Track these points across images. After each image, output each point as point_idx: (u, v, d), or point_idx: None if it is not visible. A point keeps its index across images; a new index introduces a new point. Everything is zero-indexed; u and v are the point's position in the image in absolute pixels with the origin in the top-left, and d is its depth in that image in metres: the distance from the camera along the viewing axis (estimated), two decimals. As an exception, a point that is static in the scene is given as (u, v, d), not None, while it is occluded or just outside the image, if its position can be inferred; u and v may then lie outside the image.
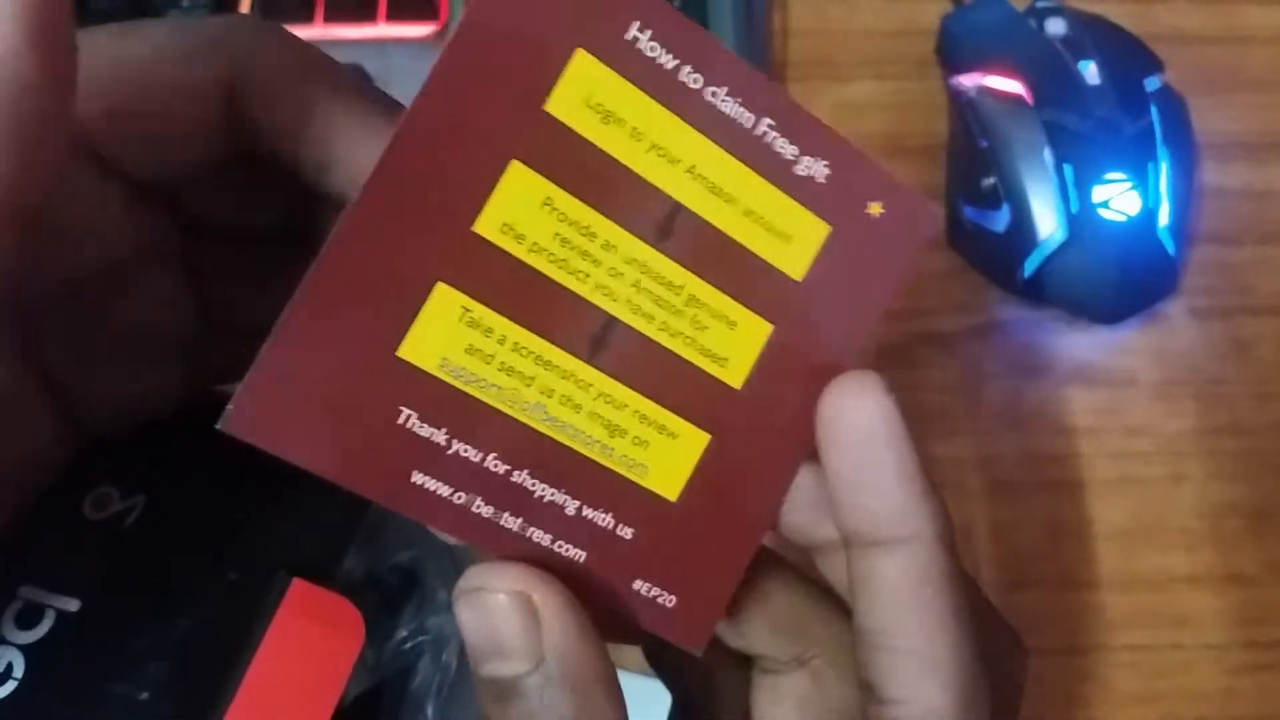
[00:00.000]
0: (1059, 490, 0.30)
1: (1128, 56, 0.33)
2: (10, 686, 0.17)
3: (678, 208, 0.15)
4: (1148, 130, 0.31)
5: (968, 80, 0.33)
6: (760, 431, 0.15)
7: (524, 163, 0.14)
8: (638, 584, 0.15)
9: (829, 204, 0.15)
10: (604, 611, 0.15)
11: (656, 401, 0.15)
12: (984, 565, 0.29)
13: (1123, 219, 0.30)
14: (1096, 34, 0.33)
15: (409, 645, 0.22)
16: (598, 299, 0.14)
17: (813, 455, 0.16)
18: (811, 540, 0.16)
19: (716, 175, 0.15)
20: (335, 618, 0.17)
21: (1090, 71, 0.31)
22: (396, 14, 0.35)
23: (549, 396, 0.15)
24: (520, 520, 0.15)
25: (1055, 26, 0.33)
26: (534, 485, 0.15)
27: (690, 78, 0.14)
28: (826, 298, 0.15)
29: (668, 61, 0.14)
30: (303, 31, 0.35)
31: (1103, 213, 0.30)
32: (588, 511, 0.15)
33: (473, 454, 0.15)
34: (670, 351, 0.15)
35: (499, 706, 0.15)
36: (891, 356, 0.32)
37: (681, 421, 0.15)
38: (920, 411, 0.31)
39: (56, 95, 0.11)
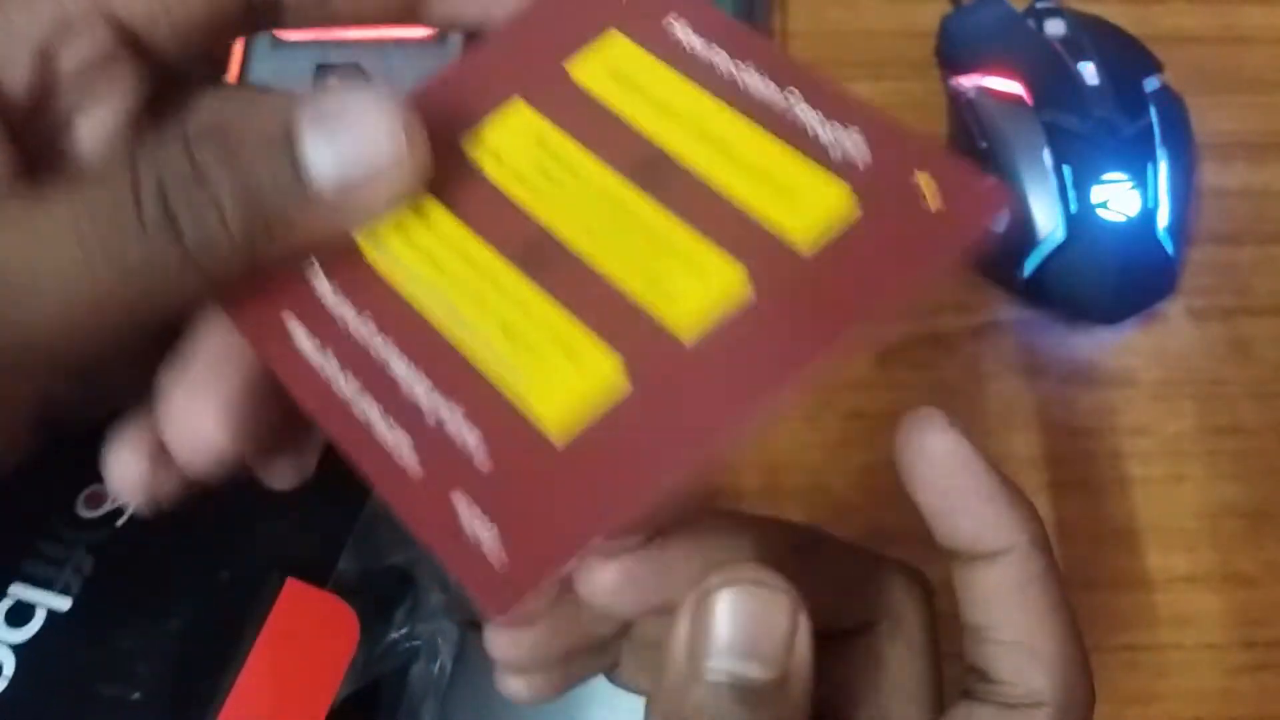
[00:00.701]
0: (1059, 490, 0.30)
1: (1127, 57, 0.33)
2: (0, 685, 0.17)
3: (664, 156, 0.14)
4: (1147, 131, 0.31)
5: (967, 81, 0.33)
6: (696, 384, 0.13)
7: (526, 101, 0.15)
8: (466, 516, 0.12)
9: (860, 174, 0.14)
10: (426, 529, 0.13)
11: (581, 323, 0.13)
12: (984, 565, 0.29)
13: (1122, 219, 0.31)
14: (1095, 34, 0.33)
15: (403, 647, 0.22)
16: (552, 218, 0.14)
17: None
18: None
19: (724, 133, 0.14)
20: (329, 617, 0.17)
21: (1089, 72, 0.32)
22: (397, 15, 0.35)
23: (463, 294, 0.13)
24: (376, 409, 0.13)
25: (1054, 27, 0.33)
26: (405, 376, 0.13)
27: (717, 55, 0.15)
28: (838, 267, 0.13)
29: (697, 43, 0.15)
30: (303, 32, 0.35)
31: (1102, 213, 0.30)
32: (452, 424, 0.13)
33: (352, 318, 0.13)
34: (611, 279, 0.13)
35: (740, 707, 0.15)
36: (891, 357, 0.32)
37: (600, 351, 0.13)
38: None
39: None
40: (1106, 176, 0.31)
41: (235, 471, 0.18)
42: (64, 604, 0.17)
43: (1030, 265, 0.31)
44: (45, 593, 0.18)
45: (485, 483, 0.12)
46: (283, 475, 0.16)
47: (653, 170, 0.14)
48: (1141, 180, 0.31)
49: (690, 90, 0.15)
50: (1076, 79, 0.31)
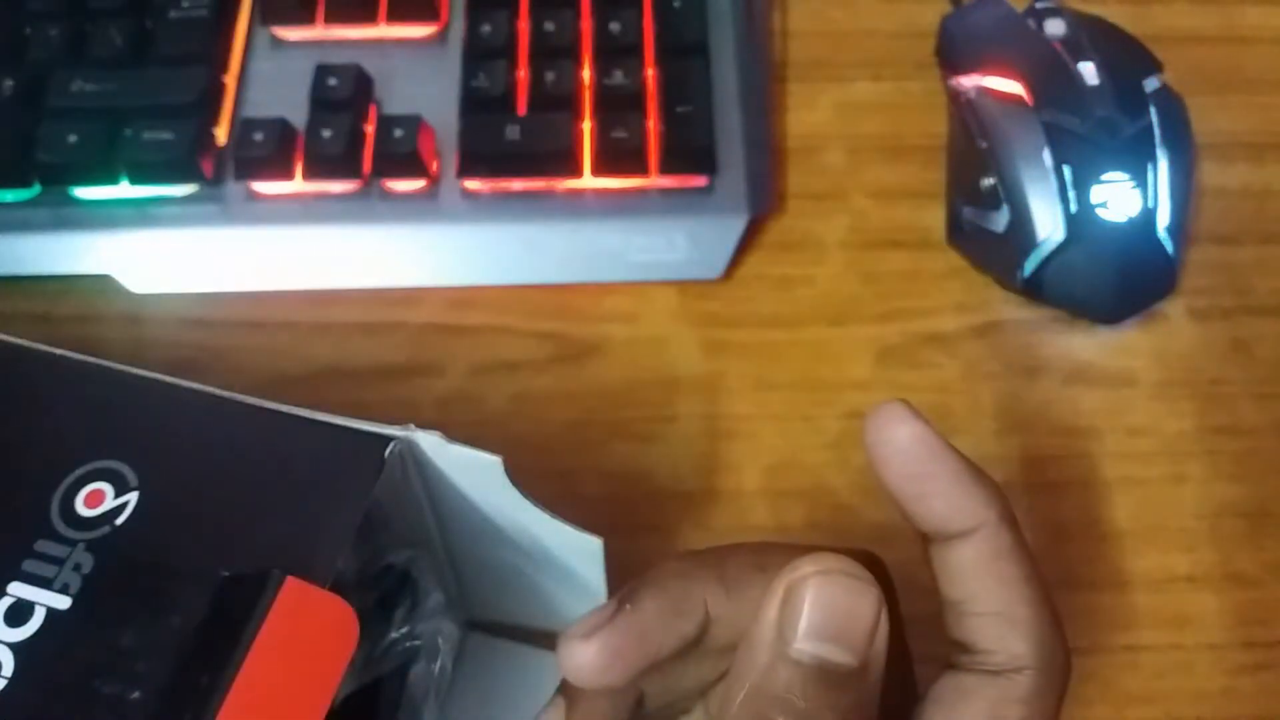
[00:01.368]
0: (1059, 490, 0.30)
1: (1127, 57, 0.33)
2: (3, 680, 0.17)
3: None
4: (1147, 130, 0.31)
5: (967, 81, 0.33)
6: None
7: None
8: None
9: None
10: None
11: None
12: (984, 565, 0.29)
13: (1122, 219, 0.31)
14: (1095, 34, 0.33)
15: (403, 647, 0.22)
16: None
17: None
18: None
19: None
20: (329, 616, 0.17)
21: (1089, 72, 0.32)
22: (397, 15, 0.35)
23: None
24: None
25: (1054, 27, 0.33)
26: None
27: None
28: None
29: None
30: (304, 32, 0.35)
31: (1102, 213, 0.30)
32: None
33: None
34: None
35: (824, 690, 0.15)
36: (891, 357, 0.32)
37: None
38: (921, 412, 0.31)
39: None
40: (1106, 176, 0.31)
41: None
42: (63, 603, 0.17)
43: (1030, 265, 0.31)
44: (44, 591, 0.18)
45: None
46: None
47: None
48: (1141, 180, 0.31)
49: None
50: (1076, 79, 0.31)
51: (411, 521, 0.22)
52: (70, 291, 0.33)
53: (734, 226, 0.33)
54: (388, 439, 0.20)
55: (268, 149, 0.32)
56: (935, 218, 0.34)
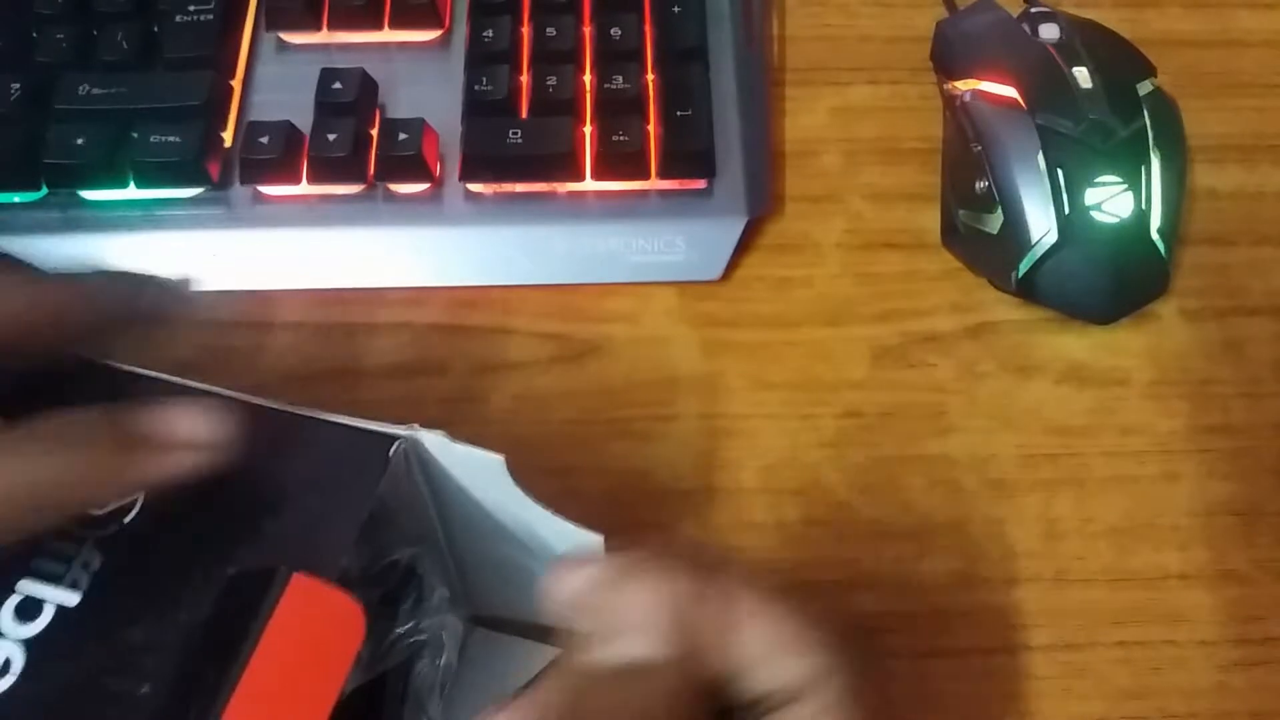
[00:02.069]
0: (1053, 489, 0.30)
1: (1120, 60, 0.33)
2: (9, 681, 0.17)
3: None
4: (1140, 134, 0.32)
5: (962, 85, 0.33)
6: None
7: None
8: None
9: None
10: None
11: None
12: (979, 563, 0.29)
13: (1115, 221, 0.31)
14: (1089, 38, 0.33)
15: (408, 642, 0.23)
16: None
17: None
18: None
19: None
20: (336, 612, 0.17)
21: (1083, 76, 0.32)
22: (400, 20, 0.36)
23: None
24: None
25: (1048, 31, 0.33)
26: None
27: None
28: None
29: None
30: (308, 37, 0.36)
31: (1095, 215, 0.31)
32: None
33: None
34: None
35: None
36: (887, 357, 0.32)
37: None
38: (916, 411, 0.31)
39: None
40: (1100, 179, 0.31)
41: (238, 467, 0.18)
42: (72, 599, 0.18)
43: (1024, 266, 0.31)
44: (54, 588, 0.18)
45: None
46: None
47: None
48: (1134, 182, 0.31)
49: None
50: (1070, 83, 0.32)
51: (416, 518, 0.22)
52: (78, 292, 0.33)
53: (733, 228, 0.33)
54: (393, 438, 0.20)
55: (273, 152, 0.32)
56: (930, 220, 0.34)
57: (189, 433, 0.18)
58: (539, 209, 0.33)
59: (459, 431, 0.21)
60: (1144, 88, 0.32)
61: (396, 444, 0.20)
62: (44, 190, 0.33)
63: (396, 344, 0.32)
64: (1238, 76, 0.36)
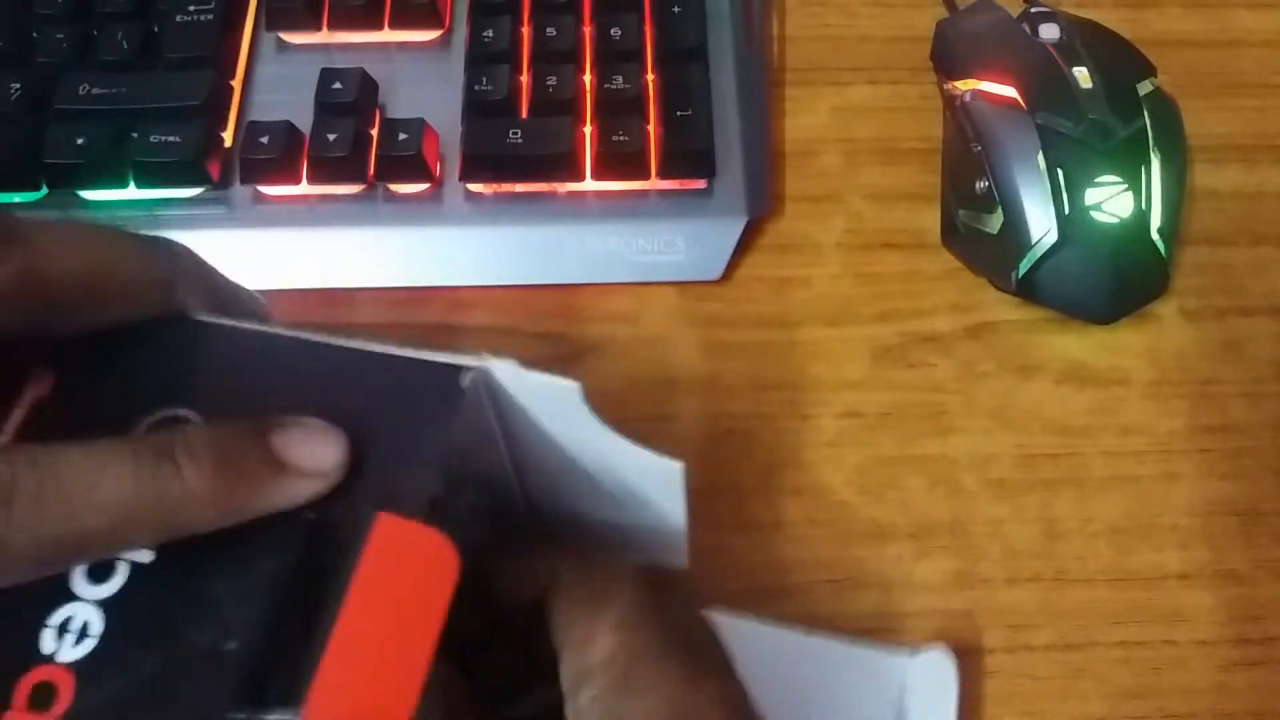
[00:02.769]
0: (1053, 489, 0.30)
1: (1120, 60, 0.33)
2: (90, 644, 0.16)
3: None
4: (1140, 134, 0.32)
5: (962, 85, 0.34)
6: None
7: None
8: None
9: None
10: None
11: None
12: (979, 562, 0.29)
13: (1115, 221, 0.31)
14: (1089, 38, 0.33)
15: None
16: None
17: None
18: None
19: None
20: (428, 551, 0.16)
21: (1083, 76, 0.32)
22: (400, 20, 0.36)
23: None
24: None
25: (1048, 31, 0.33)
26: None
27: None
28: None
29: None
30: (308, 36, 0.36)
31: (1095, 215, 0.31)
32: None
33: None
34: None
35: None
36: (887, 357, 0.32)
37: None
38: (916, 411, 0.31)
39: None
40: (1100, 179, 0.31)
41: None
42: (146, 556, 0.17)
43: (1024, 266, 0.31)
44: None
45: None
46: None
47: None
48: (1134, 182, 0.31)
49: None
50: (1070, 82, 0.32)
51: (486, 458, 0.21)
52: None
53: (732, 228, 0.33)
54: (462, 368, 0.19)
55: (273, 152, 0.32)
56: (930, 220, 0.34)
57: (319, 460, 0.17)
58: (539, 209, 0.33)
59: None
60: (1144, 88, 0.33)
61: (468, 374, 0.19)
62: (44, 190, 0.33)
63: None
64: (1238, 76, 0.36)
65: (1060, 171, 0.31)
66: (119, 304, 0.19)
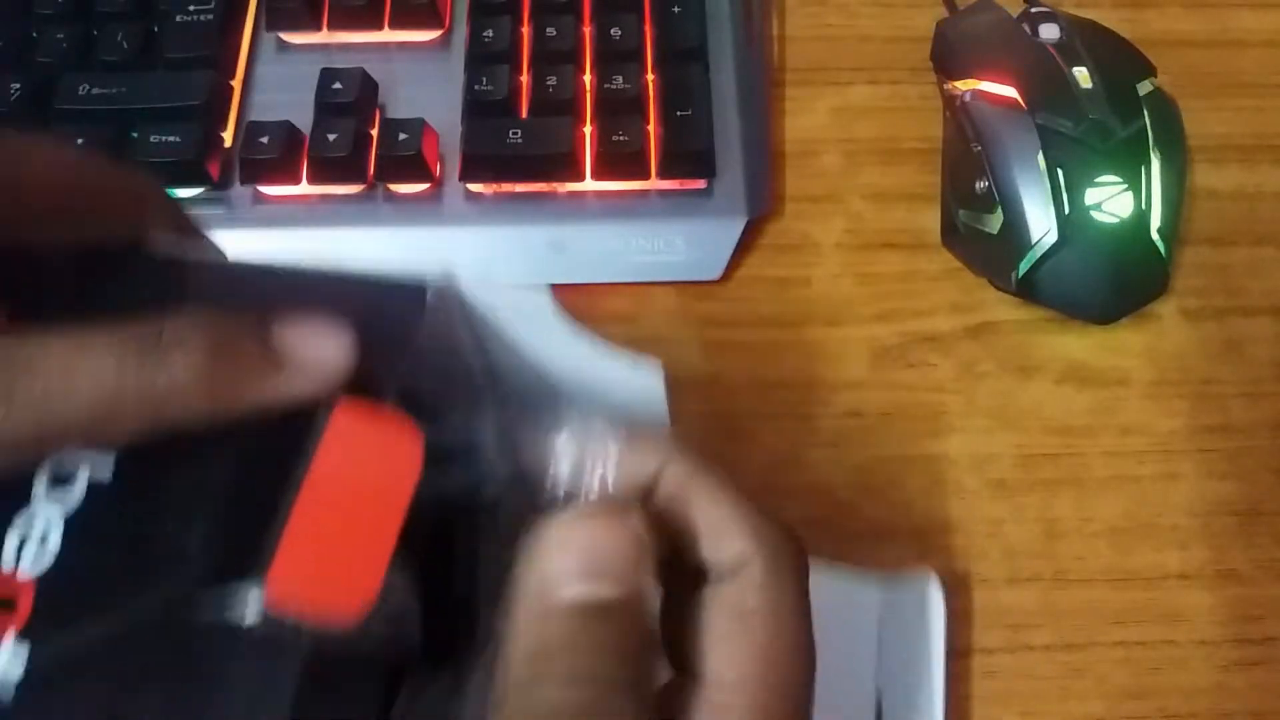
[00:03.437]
0: (1053, 489, 0.30)
1: (1120, 60, 0.33)
2: (51, 554, 0.16)
3: None
4: (1140, 134, 0.32)
5: (962, 85, 0.34)
6: None
7: None
8: None
9: None
10: None
11: None
12: (979, 562, 0.29)
13: (1115, 221, 0.31)
14: (1089, 38, 0.33)
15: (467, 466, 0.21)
16: None
17: None
18: None
19: None
20: (390, 434, 0.16)
21: (1083, 76, 0.32)
22: (400, 20, 0.36)
23: None
24: None
25: (1048, 31, 0.33)
26: None
27: None
28: None
29: None
30: (308, 37, 0.36)
31: (1095, 215, 0.31)
32: None
33: None
34: None
35: (595, 626, 0.15)
36: (887, 357, 0.32)
37: None
38: (916, 411, 0.31)
39: None
40: (1100, 179, 0.31)
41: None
42: (106, 465, 0.16)
43: (1024, 266, 0.31)
44: (85, 453, 0.16)
45: None
46: None
47: None
48: (1134, 182, 0.31)
49: None
50: (1070, 83, 0.32)
51: (458, 376, 0.21)
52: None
53: (732, 228, 0.33)
54: (427, 283, 0.18)
55: (273, 152, 0.32)
56: (930, 220, 0.34)
57: (322, 355, 0.16)
58: (539, 209, 0.33)
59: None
60: (1144, 88, 0.33)
61: (431, 290, 0.18)
62: (44, 190, 0.33)
63: (396, 344, 0.32)
64: (1238, 76, 0.36)
65: (1060, 171, 0.31)
66: (89, 217, 0.18)
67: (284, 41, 0.36)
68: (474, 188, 0.33)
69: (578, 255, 0.33)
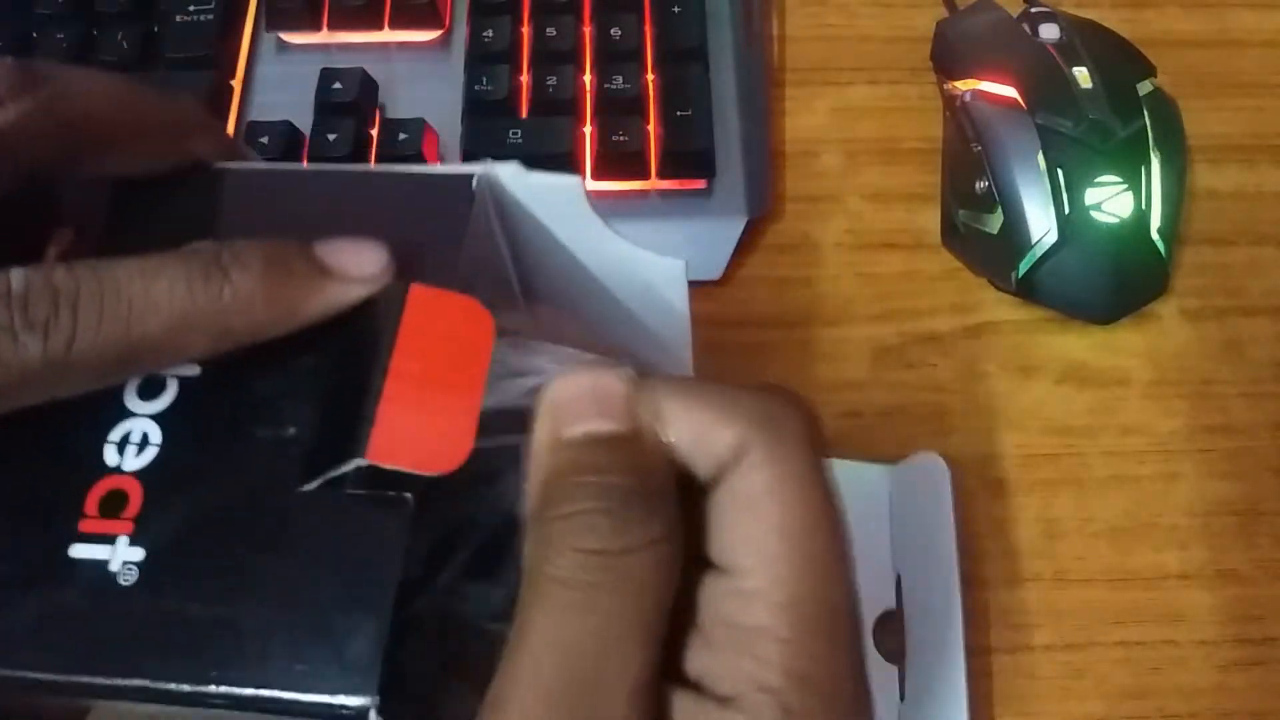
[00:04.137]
0: (1053, 489, 0.30)
1: (1120, 61, 0.33)
2: (151, 453, 0.17)
3: None
4: (1140, 134, 0.32)
5: (962, 85, 0.34)
6: None
7: None
8: None
9: None
10: None
11: None
12: (980, 562, 0.29)
13: (1115, 221, 0.31)
14: (1089, 39, 0.33)
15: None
16: None
17: None
18: None
19: None
20: (462, 313, 0.17)
21: (1083, 76, 0.32)
22: (400, 20, 0.36)
23: None
24: None
25: (1048, 31, 0.33)
26: None
27: None
28: None
29: None
30: (309, 37, 0.36)
31: (1095, 215, 0.31)
32: None
33: None
34: None
35: (599, 455, 0.16)
36: (887, 356, 0.32)
37: None
38: (916, 411, 0.31)
39: None
40: (1100, 179, 0.31)
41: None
42: (193, 370, 0.18)
43: (1024, 266, 0.31)
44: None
45: None
46: None
47: None
48: (1134, 182, 0.31)
49: None
50: (1070, 83, 0.32)
51: (494, 276, 0.22)
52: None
53: (732, 228, 0.33)
54: (470, 176, 0.19)
55: (273, 152, 0.32)
56: (930, 220, 0.34)
57: (363, 264, 0.18)
58: (539, 209, 0.33)
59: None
60: (1144, 88, 0.33)
61: (476, 178, 0.19)
62: (44, 190, 0.33)
63: (396, 344, 0.32)
64: (1238, 76, 0.36)
65: (1060, 171, 0.31)
66: (141, 146, 0.19)
67: (284, 41, 0.36)
68: (474, 188, 0.33)
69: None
